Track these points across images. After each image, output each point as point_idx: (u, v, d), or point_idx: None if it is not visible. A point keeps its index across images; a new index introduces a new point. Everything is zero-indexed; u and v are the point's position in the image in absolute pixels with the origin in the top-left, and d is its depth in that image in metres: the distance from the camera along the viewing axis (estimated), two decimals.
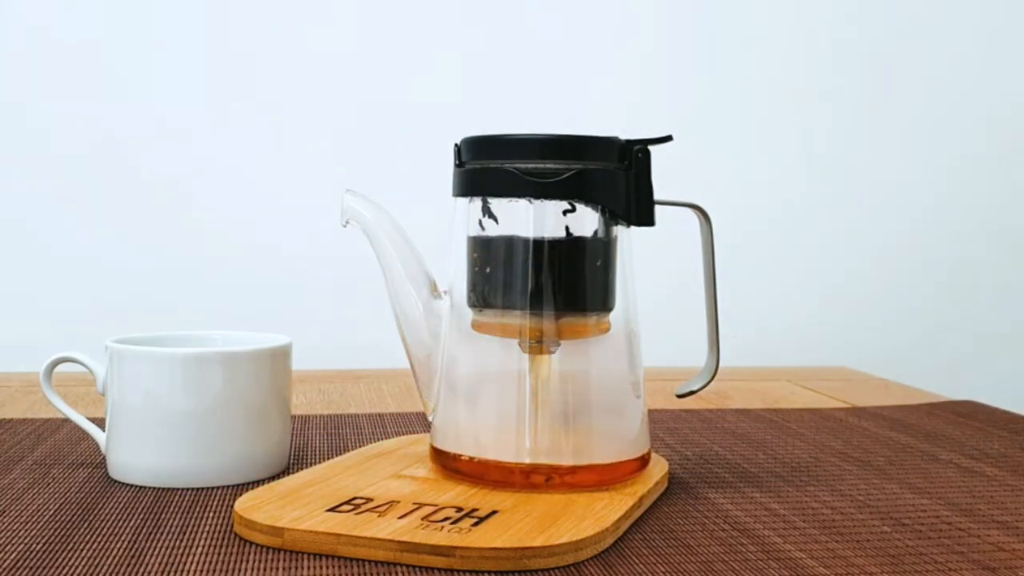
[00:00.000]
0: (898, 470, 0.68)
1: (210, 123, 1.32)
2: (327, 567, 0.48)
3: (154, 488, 0.61)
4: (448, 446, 0.59)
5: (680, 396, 0.63)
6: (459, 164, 0.60)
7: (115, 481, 0.62)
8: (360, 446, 0.70)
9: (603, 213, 0.58)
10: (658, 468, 0.62)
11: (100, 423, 0.66)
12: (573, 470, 0.57)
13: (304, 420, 0.81)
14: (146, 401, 0.61)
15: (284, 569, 0.48)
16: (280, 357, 0.65)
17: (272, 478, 0.63)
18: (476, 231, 0.59)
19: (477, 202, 0.59)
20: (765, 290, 1.42)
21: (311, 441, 0.74)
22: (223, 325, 1.03)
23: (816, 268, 1.43)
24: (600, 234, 0.58)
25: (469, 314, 0.59)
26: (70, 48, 1.28)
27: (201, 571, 0.47)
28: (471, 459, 0.58)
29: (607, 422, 0.59)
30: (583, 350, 0.58)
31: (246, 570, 0.47)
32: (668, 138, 0.59)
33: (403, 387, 0.99)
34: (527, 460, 0.57)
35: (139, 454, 0.61)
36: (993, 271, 1.44)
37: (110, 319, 1.21)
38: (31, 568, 0.47)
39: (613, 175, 0.58)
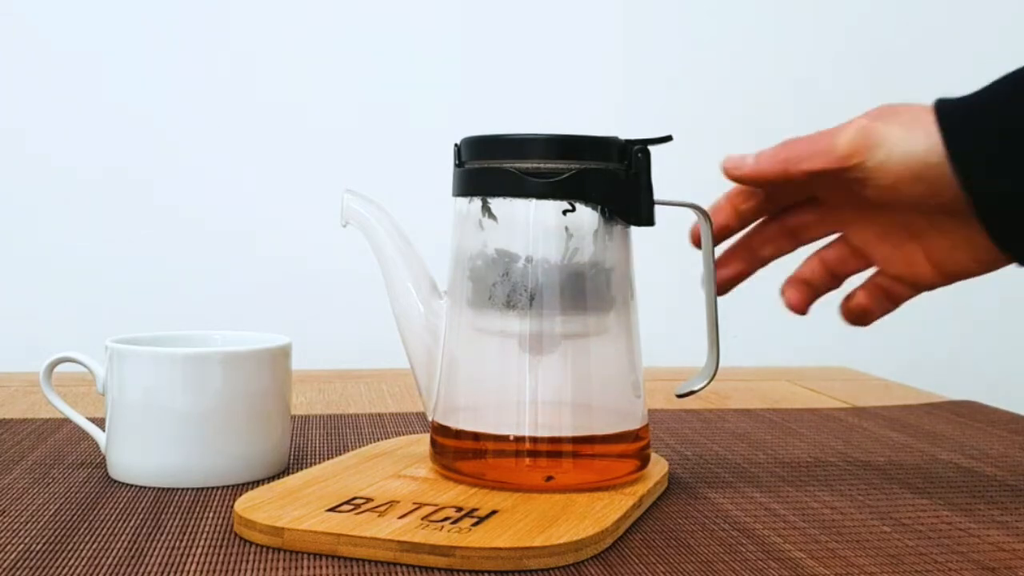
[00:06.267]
0: (898, 470, 0.68)
1: (211, 123, 1.32)
2: (327, 567, 0.48)
3: (154, 488, 0.61)
4: (448, 446, 0.59)
5: (680, 396, 0.63)
6: (459, 164, 0.60)
7: (115, 481, 0.62)
8: (360, 446, 0.70)
9: (603, 213, 0.58)
10: (658, 468, 0.62)
11: (100, 423, 0.66)
12: (573, 469, 0.57)
13: (304, 420, 0.81)
14: (146, 401, 0.61)
15: (284, 569, 0.48)
16: (280, 357, 0.65)
17: (272, 478, 0.63)
18: (476, 232, 0.59)
19: (477, 202, 0.59)
20: (765, 290, 1.42)
21: (311, 441, 0.74)
22: (223, 325, 1.04)
23: None
24: (600, 234, 0.58)
25: (469, 314, 0.59)
26: (72, 54, 1.28)
27: (201, 571, 0.47)
28: (472, 452, 0.58)
29: (607, 422, 0.59)
30: (583, 350, 0.58)
31: (246, 570, 0.47)
32: (668, 138, 0.59)
33: (403, 387, 0.99)
34: (527, 460, 0.57)
35: (139, 454, 0.61)
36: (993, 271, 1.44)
37: (110, 319, 1.21)
38: (31, 568, 0.47)
39: (613, 175, 0.58)
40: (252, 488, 0.60)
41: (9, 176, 1.29)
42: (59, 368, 0.66)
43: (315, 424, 0.80)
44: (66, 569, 0.47)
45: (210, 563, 0.48)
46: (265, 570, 0.47)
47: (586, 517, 0.52)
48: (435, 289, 0.62)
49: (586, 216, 0.58)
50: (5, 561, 0.48)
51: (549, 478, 0.57)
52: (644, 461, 0.60)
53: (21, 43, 1.28)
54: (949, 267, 0.59)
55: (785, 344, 1.41)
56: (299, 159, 1.33)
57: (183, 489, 0.60)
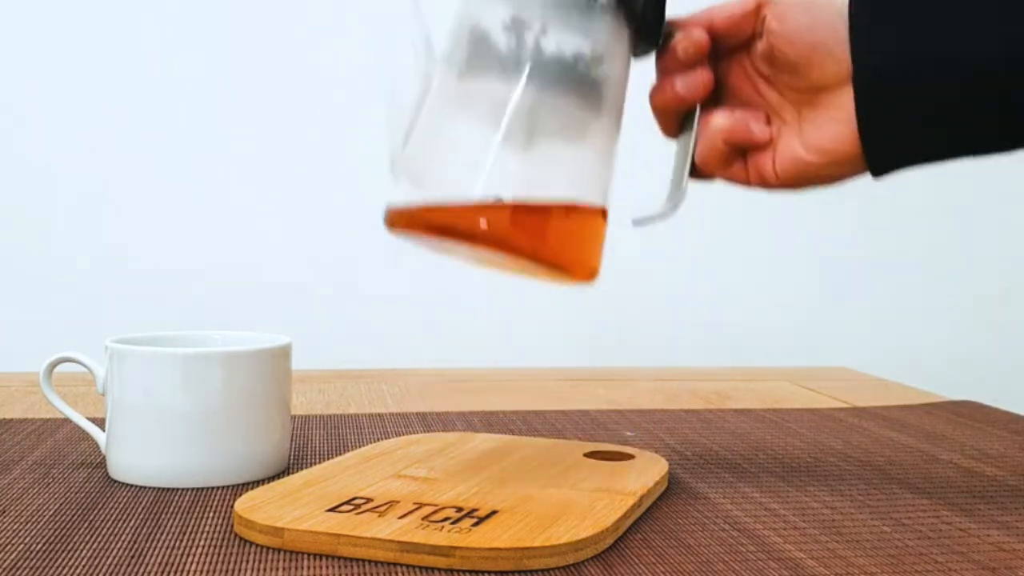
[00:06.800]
0: (898, 470, 0.68)
1: (210, 123, 1.32)
2: (327, 567, 0.48)
3: (154, 488, 0.61)
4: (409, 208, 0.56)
5: (637, 224, 0.60)
6: None
7: (115, 481, 0.62)
8: (360, 446, 0.70)
9: (626, 15, 0.56)
10: (658, 468, 0.62)
11: (100, 423, 0.66)
12: (528, 219, 0.55)
13: (304, 420, 0.81)
14: (146, 401, 0.61)
15: (284, 569, 0.48)
16: (280, 357, 0.65)
17: (272, 478, 0.63)
18: None
19: None
20: (766, 290, 1.42)
21: (311, 441, 0.74)
22: (223, 325, 1.04)
23: (816, 268, 1.43)
24: (614, 37, 0.56)
25: (458, 80, 0.56)
26: (72, 43, 1.29)
27: (201, 571, 0.47)
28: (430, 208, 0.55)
29: (570, 195, 0.56)
30: (566, 136, 0.56)
31: (246, 570, 0.47)
32: None
33: (403, 387, 0.99)
34: (483, 209, 0.54)
35: (139, 454, 0.61)
36: (993, 271, 1.44)
37: (110, 319, 1.21)
38: (31, 568, 0.47)
39: None
40: (252, 488, 0.60)
41: (9, 176, 1.29)
42: (59, 368, 0.66)
43: (315, 424, 0.80)
44: (66, 569, 0.47)
45: (210, 563, 0.48)
46: (265, 570, 0.47)
47: (586, 517, 0.52)
48: (431, 47, 0.58)
49: (607, 12, 0.56)
50: (5, 561, 0.48)
51: (498, 200, 0.53)
52: (604, 214, 0.58)
53: (22, 40, 1.28)
54: (800, 152, 0.57)
55: (785, 344, 1.41)
56: (298, 159, 1.33)
57: (183, 489, 0.60)
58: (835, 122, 0.56)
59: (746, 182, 0.60)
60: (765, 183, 0.60)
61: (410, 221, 0.56)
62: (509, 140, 0.55)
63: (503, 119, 0.55)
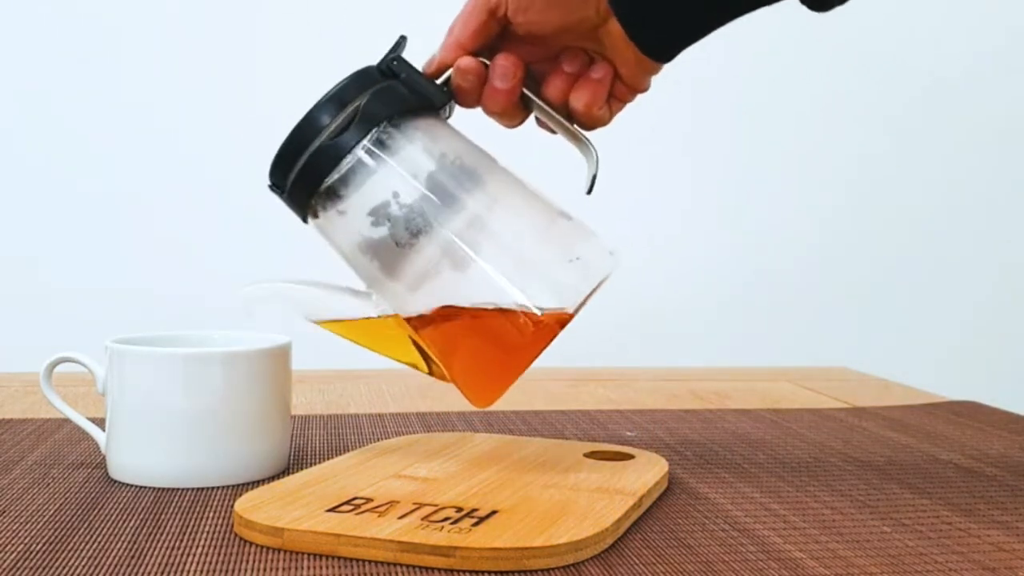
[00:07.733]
0: (898, 470, 0.68)
1: (211, 123, 1.32)
2: (327, 567, 0.48)
3: (154, 488, 0.61)
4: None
5: (590, 192, 0.63)
6: (284, 191, 0.61)
7: (115, 481, 0.62)
8: (360, 446, 0.70)
9: (410, 118, 0.60)
10: (658, 468, 0.62)
11: (100, 423, 0.66)
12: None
13: (304, 420, 0.81)
14: (146, 401, 0.61)
15: (284, 569, 0.48)
16: (280, 357, 0.65)
17: (272, 478, 0.63)
18: (344, 221, 0.60)
19: (322, 203, 0.60)
20: (765, 290, 1.42)
21: (311, 441, 0.74)
22: (223, 325, 1.04)
23: (816, 268, 1.43)
24: (424, 135, 0.60)
25: (400, 285, 0.60)
26: (66, 54, 1.29)
27: (201, 571, 0.47)
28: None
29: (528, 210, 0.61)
30: (495, 224, 0.60)
31: (246, 570, 0.47)
32: (402, 39, 0.62)
33: (403, 387, 0.99)
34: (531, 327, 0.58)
35: (139, 454, 0.61)
36: (993, 271, 1.44)
37: (110, 319, 1.21)
38: (31, 568, 0.47)
39: (392, 88, 0.60)
40: (252, 488, 0.60)
41: (8, 177, 1.29)
42: (59, 368, 0.66)
43: (315, 424, 0.80)
44: (66, 569, 0.47)
45: (210, 563, 0.48)
46: (265, 570, 0.47)
47: (586, 517, 0.52)
48: (359, 295, 0.63)
49: (404, 130, 0.59)
50: (5, 561, 0.48)
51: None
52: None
53: (20, 44, 1.28)
54: (623, 69, 0.62)
55: (785, 344, 1.41)
56: None
57: (183, 489, 0.60)
58: (620, 47, 0.61)
59: (625, 101, 0.65)
60: (639, 91, 0.64)
61: (500, 383, 0.60)
62: (484, 261, 0.58)
63: (466, 255, 0.58)
